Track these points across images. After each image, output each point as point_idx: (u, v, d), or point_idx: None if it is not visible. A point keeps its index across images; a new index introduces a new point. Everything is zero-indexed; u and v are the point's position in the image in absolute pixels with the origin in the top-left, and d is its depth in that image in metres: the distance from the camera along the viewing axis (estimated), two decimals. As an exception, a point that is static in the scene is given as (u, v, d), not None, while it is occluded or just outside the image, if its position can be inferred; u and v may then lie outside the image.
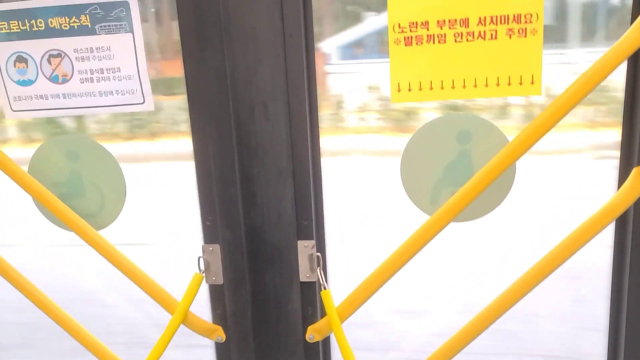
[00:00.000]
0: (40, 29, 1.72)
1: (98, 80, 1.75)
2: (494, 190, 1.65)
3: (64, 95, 1.78)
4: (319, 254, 1.78)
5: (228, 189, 1.76)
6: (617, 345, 1.77)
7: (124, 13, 1.67)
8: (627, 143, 1.64)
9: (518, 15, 1.51)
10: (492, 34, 1.55)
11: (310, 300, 1.83)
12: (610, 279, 1.76)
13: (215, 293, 1.87)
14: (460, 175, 1.70)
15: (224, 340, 1.86)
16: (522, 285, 1.54)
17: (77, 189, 1.87)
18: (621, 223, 1.70)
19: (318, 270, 1.78)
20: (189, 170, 1.83)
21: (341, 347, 1.69)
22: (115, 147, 1.91)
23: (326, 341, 1.92)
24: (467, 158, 1.70)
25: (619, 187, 1.60)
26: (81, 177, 1.86)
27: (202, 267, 1.81)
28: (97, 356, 1.88)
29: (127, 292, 2.12)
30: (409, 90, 1.62)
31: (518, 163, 1.59)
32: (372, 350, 1.96)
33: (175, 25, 1.68)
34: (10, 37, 1.74)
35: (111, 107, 1.77)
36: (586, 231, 1.48)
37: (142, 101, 1.76)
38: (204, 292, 1.88)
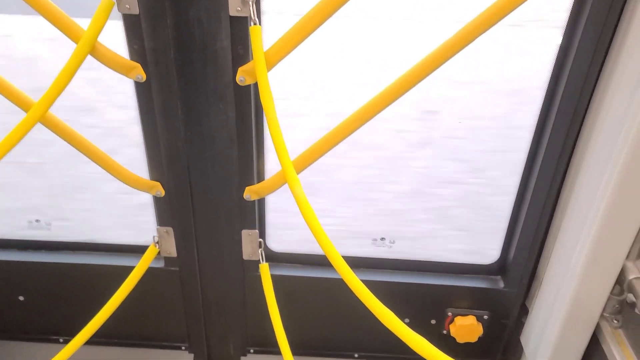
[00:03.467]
0: None
1: None
2: None
3: None
4: (252, -17, 1.52)
5: None
6: None
7: None
8: None
9: None
10: None
11: (241, 39, 1.62)
12: None
13: (131, 25, 1.61)
14: None
15: (143, 79, 1.67)
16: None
17: None
18: None
19: (250, 2, 1.53)
20: None
21: (262, 91, 1.55)
22: None
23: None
24: None
25: None
26: None
27: (112, -11, 1.51)
28: None
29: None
30: None
31: None
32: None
33: None
34: None
35: None
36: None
37: None
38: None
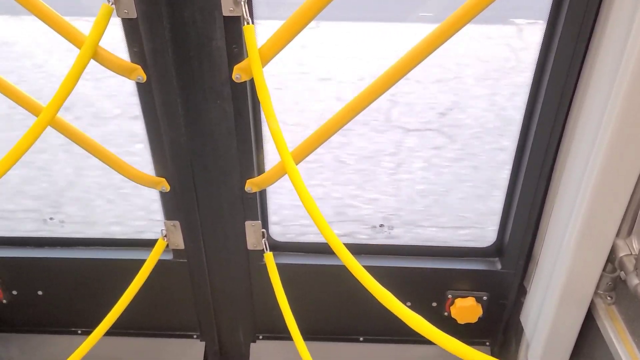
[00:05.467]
0: None
1: None
2: None
3: None
4: (242, -16, 1.59)
5: None
6: None
7: None
8: None
9: None
10: None
11: (235, 38, 1.69)
12: None
13: (130, 29, 1.69)
14: None
15: (144, 80, 1.75)
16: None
17: None
18: None
19: (242, 2, 1.60)
20: None
21: (258, 87, 1.62)
22: None
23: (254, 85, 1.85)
24: None
25: None
26: None
27: (111, -3, 1.59)
28: None
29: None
30: None
31: None
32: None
33: None
34: None
35: None
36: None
37: None
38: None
